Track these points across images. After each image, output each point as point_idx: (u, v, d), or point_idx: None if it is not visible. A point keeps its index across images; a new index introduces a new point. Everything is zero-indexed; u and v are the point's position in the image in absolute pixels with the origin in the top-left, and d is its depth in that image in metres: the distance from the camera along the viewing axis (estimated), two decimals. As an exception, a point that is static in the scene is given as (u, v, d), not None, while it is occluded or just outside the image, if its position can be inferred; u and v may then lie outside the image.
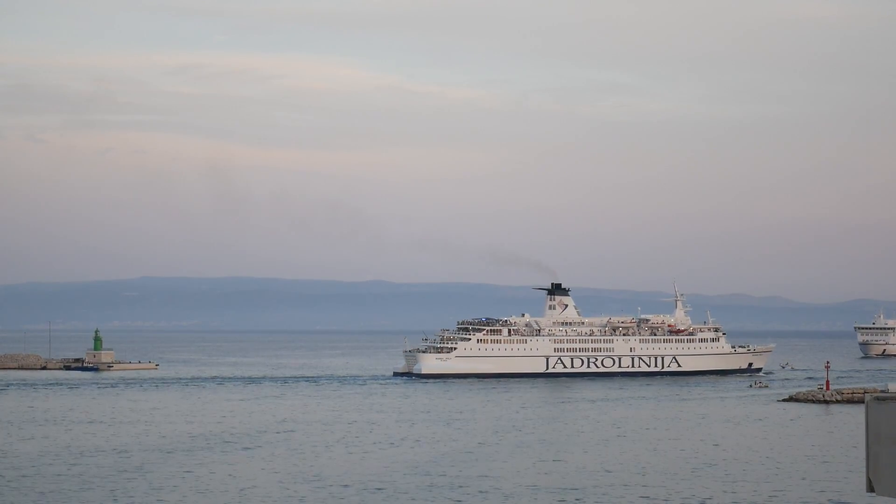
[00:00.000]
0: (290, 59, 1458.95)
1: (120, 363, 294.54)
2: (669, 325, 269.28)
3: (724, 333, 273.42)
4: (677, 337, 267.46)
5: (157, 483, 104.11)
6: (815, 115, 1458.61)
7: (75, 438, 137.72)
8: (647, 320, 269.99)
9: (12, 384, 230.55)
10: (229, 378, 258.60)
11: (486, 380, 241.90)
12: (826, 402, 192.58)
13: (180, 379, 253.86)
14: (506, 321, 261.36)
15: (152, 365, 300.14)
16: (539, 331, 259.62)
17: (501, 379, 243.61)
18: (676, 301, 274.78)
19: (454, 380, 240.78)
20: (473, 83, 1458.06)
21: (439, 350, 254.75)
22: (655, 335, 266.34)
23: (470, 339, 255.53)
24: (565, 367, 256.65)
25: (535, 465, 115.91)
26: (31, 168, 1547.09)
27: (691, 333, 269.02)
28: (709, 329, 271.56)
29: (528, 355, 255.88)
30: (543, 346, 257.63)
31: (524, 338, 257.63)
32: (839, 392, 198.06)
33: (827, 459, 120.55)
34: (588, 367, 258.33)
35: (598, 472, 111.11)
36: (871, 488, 31.63)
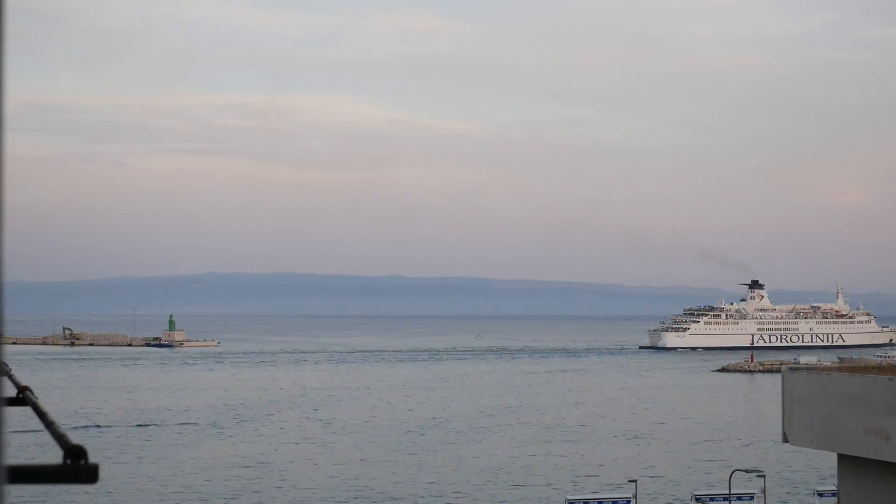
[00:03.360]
0: (318, 98, 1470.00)
1: (189, 341, 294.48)
2: (836, 311, 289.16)
3: (874, 317, 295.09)
4: (842, 320, 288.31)
5: (247, 431, 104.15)
6: (739, 143, 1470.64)
7: (160, 400, 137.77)
8: (819, 307, 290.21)
9: (105, 357, 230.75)
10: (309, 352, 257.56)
11: (711, 350, 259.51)
12: None
13: (239, 353, 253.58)
14: (722, 308, 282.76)
15: (214, 342, 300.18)
16: (745, 315, 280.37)
17: (720, 350, 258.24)
18: (838, 294, 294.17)
19: (689, 351, 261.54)
20: (464, 117, 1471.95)
21: (677, 330, 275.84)
22: (826, 318, 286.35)
23: (699, 322, 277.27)
24: (764, 342, 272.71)
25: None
26: (117, 186, 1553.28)
27: (851, 317, 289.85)
28: (863, 314, 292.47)
29: (739, 333, 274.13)
30: (749, 326, 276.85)
31: (736, 321, 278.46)
32: (761, 364, 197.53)
33: None
34: (780, 342, 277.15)
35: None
36: (785, 439, 31.91)
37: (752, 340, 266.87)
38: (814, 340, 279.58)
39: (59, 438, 3.26)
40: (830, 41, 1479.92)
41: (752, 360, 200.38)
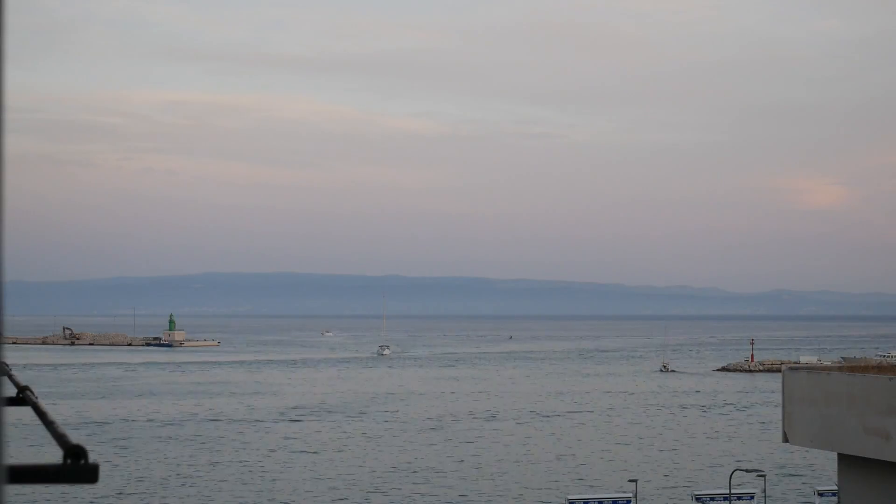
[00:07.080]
0: (264, 97, 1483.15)
1: (189, 340, 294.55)
2: None
3: None
4: None
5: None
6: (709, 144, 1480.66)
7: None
8: None
9: (105, 356, 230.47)
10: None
11: None
12: (751, 371, 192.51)
13: (241, 354, 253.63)
14: None
15: (215, 342, 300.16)
16: None
17: None
18: None
19: None
20: (413, 114, 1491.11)
21: None
22: None
23: None
24: None
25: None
26: (101, 186, 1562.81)
27: None
28: None
29: None
30: None
31: None
32: (761, 363, 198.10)
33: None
34: None
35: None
36: (785, 439, 31.92)
37: None
38: None
39: (59, 438, 3.21)
40: (796, 35, 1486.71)
41: (752, 360, 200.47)
